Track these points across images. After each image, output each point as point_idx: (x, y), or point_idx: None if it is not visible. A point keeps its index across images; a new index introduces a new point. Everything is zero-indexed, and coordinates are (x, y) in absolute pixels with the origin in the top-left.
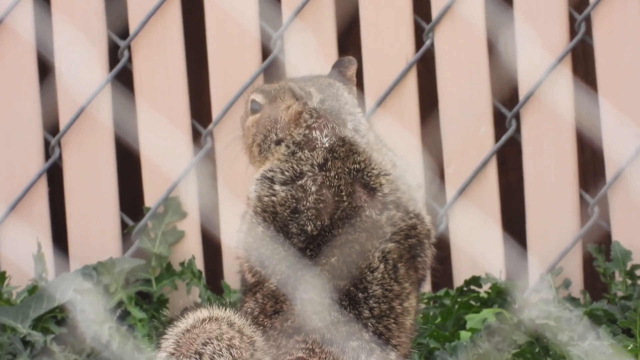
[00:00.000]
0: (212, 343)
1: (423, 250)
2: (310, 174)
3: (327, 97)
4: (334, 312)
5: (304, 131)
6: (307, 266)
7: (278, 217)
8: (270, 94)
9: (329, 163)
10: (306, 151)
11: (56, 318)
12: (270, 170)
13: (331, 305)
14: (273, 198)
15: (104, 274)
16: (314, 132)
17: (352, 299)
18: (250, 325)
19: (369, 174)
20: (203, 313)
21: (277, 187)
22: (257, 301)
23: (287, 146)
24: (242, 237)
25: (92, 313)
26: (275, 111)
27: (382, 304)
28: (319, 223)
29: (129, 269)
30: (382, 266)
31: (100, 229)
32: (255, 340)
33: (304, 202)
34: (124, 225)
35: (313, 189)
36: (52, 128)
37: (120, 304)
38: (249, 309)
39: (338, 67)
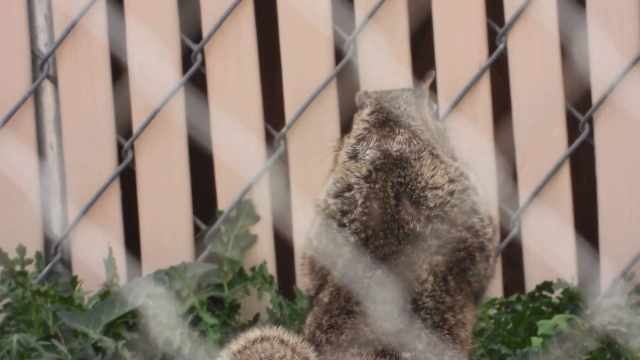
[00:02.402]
0: None
1: (474, 263)
2: (357, 185)
3: (379, 109)
4: (386, 324)
5: (352, 141)
6: (357, 279)
7: (330, 230)
8: (359, 104)
9: (374, 175)
10: (353, 161)
11: (128, 323)
12: (329, 182)
13: (383, 317)
14: (326, 210)
15: (176, 278)
16: (360, 143)
17: (403, 310)
18: (303, 342)
19: (414, 188)
20: (255, 333)
21: (330, 199)
22: (315, 315)
23: (341, 156)
24: (305, 253)
25: (164, 318)
26: (354, 121)
27: (434, 316)
28: (364, 235)
29: (201, 273)
30: (431, 278)
31: (173, 232)
32: (309, 356)
33: (350, 215)
34: (196, 229)
35: (359, 201)
36: (125, 131)
37: (192, 309)
38: (309, 324)
39: (420, 81)
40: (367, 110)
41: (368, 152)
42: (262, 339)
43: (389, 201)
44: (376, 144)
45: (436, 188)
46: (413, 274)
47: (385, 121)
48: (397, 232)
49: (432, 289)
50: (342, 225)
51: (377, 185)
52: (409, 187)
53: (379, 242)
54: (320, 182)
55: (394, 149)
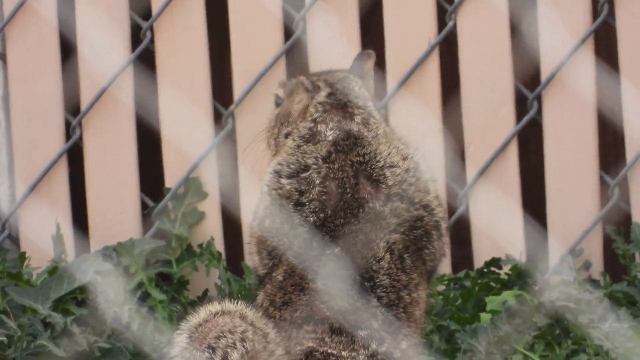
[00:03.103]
0: (225, 336)
1: (431, 242)
2: (315, 166)
3: (335, 91)
4: (343, 302)
5: (309, 124)
6: (313, 257)
7: (284, 210)
8: (289, 88)
9: (333, 156)
10: (311, 144)
11: (76, 299)
12: (279, 164)
13: (339, 294)
14: (280, 191)
15: (124, 255)
16: (319, 125)
17: (359, 287)
18: (262, 317)
19: (373, 167)
20: (215, 307)
21: (283, 180)
22: (267, 293)
23: (294, 139)
24: (253, 232)
25: (112, 294)
26: (290, 105)
27: (390, 294)
28: (322, 215)
29: (149, 250)
30: (387, 256)
31: (121, 209)
32: (267, 332)
33: (308, 195)
34: (144, 206)
35: (317, 181)
36: (73, 109)
37: (140, 285)
38: (260, 302)
39: (358, 60)
40: (323, 93)
41: (329, 133)
42: (223, 313)
43: (349, 180)
44: (337, 124)
45: (393, 166)
46: (370, 252)
47: (344, 102)
48: (357, 210)
49: (388, 267)
50: (299, 204)
51: (336, 165)
52: (369, 165)
53: (339, 221)
54: (264, 159)
55: (355, 129)
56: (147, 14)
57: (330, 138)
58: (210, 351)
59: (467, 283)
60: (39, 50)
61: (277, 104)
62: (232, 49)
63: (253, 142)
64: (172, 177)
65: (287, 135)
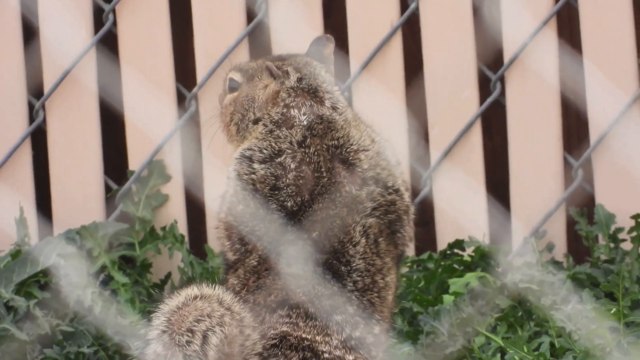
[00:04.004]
0: (205, 320)
1: (402, 226)
2: (289, 151)
3: (304, 75)
4: (318, 286)
5: (281, 110)
6: (288, 241)
7: (258, 195)
8: (248, 73)
9: (308, 140)
10: (284, 129)
11: (39, 282)
12: (248, 149)
13: (314, 279)
14: (252, 176)
15: (87, 238)
16: (292, 110)
17: (335, 272)
18: (237, 301)
19: (348, 150)
20: (194, 291)
21: (256, 165)
22: (239, 277)
23: (265, 125)
24: (222, 217)
25: (75, 277)
26: (253, 90)
27: (365, 278)
28: (299, 199)
29: (113, 233)
30: (363, 240)
31: (84, 192)
32: (243, 316)
33: (284, 179)
34: (107, 189)
35: (292, 165)
36: (36, 92)
37: (103, 268)
38: (232, 286)
39: (316, 45)
40: (293, 78)
41: (304, 117)
42: (202, 297)
43: (325, 164)
44: (310, 109)
45: (366, 150)
46: (347, 236)
47: (315, 87)
48: (334, 195)
49: (364, 251)
50: (275, 189)
51: (312, 150)
52: (344, 149)
53: (316, 205)
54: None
55: (327, 113)
56: None
57: (305, 122)
58: (190, 334)
59: (430, 265)
60: (1, 34)
61: (232, 89)
62: (195, 31)
63: (211, 128)
64: (135, 160)
65: (256, 121)
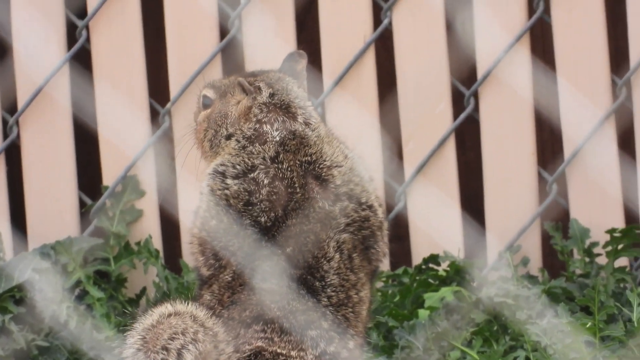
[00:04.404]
0: (179, 338)
1: (376, 242)
2: (262, 167)
3: (276, 91)
4: (292, 301)
5: (254, 125)
6: (263, 256)
7: (231, 210)
8: (221, 89)
9: (281, 156)
10: (257, 145)
11: (14, 297)
12: (221, 165)
13: (289, 294)
14: (226, 191)
15: (62, 253)
16: (264, 126)
17: (309, 287)
18: (210, 317)
19: (321, 166)
20: (167, 308)
21: (229, 180)
22: (214, 293)
23: (238, 140)
24: (196, 233)
25: (50, 292)
26: (226, 106)
27: (339, 293)
28: (272, 214)
29: (87, 248)
30: (337, 256)
31: (59, 208)
32: (217, 331)
33: (257, 195)
34: (82, 204)
35: (265, 181)
36: (10, 107)
37: (78, 283)
38: (206, 302)
39: (288, 61)
40: (265, 94)
41: (276, 133)
42: (175, 314)
43: (298, 180)
44: (282, 125)
45: (339, 166)
46: (321, 252)
47: (287, 103)
48: (308, 210)
49: (338, 266)
50: (249, 204)
51: (285, 165)
52: (316, 165)
53: (290, 221)
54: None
55: (299, 129)
56: (82, 13)
57: (277, 138)
58: (165, 352)
59: (406, 279)
60: None
61: (206, 105)
62: (168, 47)
63: (185, 145)
64: (109, 175)
65: (228, 137)
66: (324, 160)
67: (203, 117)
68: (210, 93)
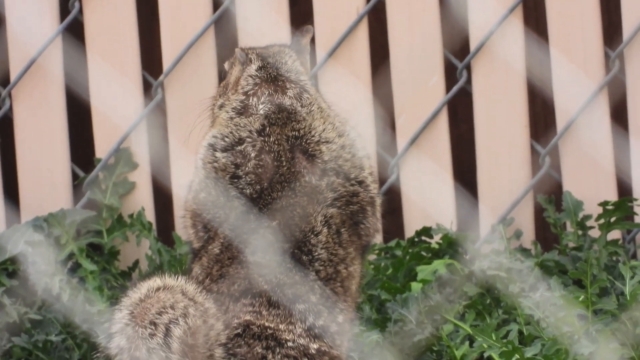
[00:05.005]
0: (167, 312)
1: (366, 217)
2: (249, 139)
3: (267, 64)
4: (280, 275)
5: (240, 97)
6: (250, 230)
7: (219, 183)
8: (231, 61)
9: (267, 129)
10: (243, 117)
11: (7, 270)
12: (213, 137)
13: (277, 268)
14: (215, 164)
15: (55, 225)
16: (250, 98)
17: (297, 261)
18: (201, 292)
19: (308, 142)
20: (156, 282)
21: (218, 153)
22: (203, 266)
23: (227, 111)
24: (188, 206)
25: (42, 265)
26: (228, 77)
27: (327, 267)
28: (258, 187)
29: (80, 220)
30: (325, 230)
31: (51, 180)
32: (207, 307)
33: (244, 167)
34: (75, 177)
35: (252, 154)
36: (2, 80)
37: (71, 256)
38: (196, 275)
39: (297, 35)
40: (254, 66)
41: (261, 106)
42: (165, 288)
43: (285, 154)
44: (268, 98)
45: (329, 142)
46: (308, 226)
47: (276, 76)
48: (293, 183)
49: (326, 240)
50: (235, 177)
51: (272, 139)
52: (304, 140)
53: (275, 193)
54: (199, 131)
55: (287, 103)
56: None
57: (262, 112)
58: (153, 327)
59: (398, 252)
60: None
61: (225, 75)
62: (161, 19)
63: (200, 115)
64: (102, 148)
65: (221, 107)
66: (312, 136)
67: (218, 88)
68: (226, 65)
